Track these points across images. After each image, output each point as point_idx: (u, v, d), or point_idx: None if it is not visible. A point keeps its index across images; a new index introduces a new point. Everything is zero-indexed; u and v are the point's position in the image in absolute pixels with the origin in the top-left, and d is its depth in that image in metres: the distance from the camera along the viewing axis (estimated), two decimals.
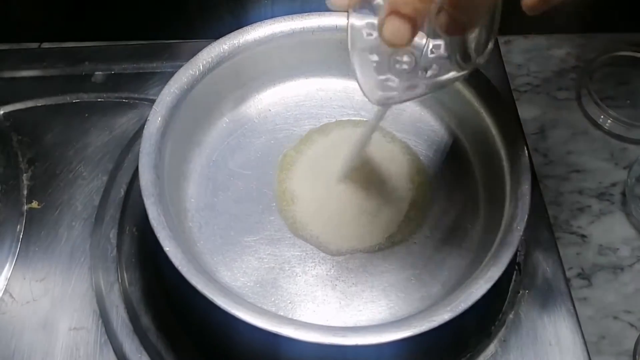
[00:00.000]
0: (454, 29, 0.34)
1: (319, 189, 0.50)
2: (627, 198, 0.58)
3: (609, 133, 0.62)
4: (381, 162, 0.51)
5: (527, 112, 0.64)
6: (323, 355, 0.42)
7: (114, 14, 0.65)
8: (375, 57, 0.39)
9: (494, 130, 0.48)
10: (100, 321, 0.47)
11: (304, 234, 0.48)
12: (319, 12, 0.52)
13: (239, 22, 0.51)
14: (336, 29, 0.51)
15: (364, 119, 0.53)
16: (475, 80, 0.49)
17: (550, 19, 0.66)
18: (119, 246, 0.50)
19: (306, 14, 0.52)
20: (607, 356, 0.51)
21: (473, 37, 0.38)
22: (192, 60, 0.49)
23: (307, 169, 0.51)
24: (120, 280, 0.49)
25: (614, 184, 0.59)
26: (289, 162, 0.51)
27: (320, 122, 0.54)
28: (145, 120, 0.46)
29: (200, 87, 0.49)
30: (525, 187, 0.44)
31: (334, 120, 0.54)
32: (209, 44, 0.50)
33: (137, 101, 0.58)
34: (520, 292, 0.49)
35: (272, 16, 0.52)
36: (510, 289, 0.49)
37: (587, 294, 0.54)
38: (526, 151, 0.46)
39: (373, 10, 0.38)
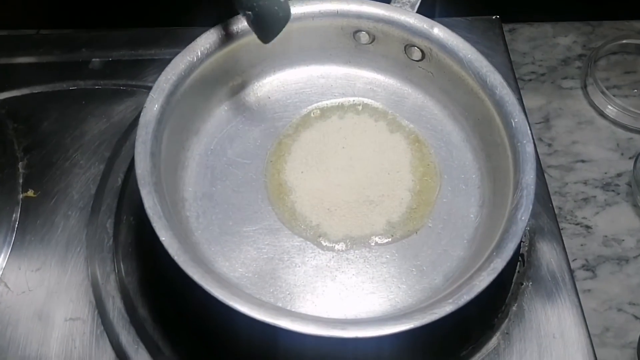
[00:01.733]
0: None
1: (318, 178, 0.49)
2: (632, 189, 0.57)
3: (615, 122, 0.61)
4: (384, 150, 0.51)
5: (532, 101, 0.63)
6: (323, 347, 0.41)
7: (112, 0, 0.65)
8: None
9: (498, 119, 0.47)
10: (96, 312, 0.46)
11: (304, 225, 0.47)
12: None
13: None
14: (337, 14, 0.51)
15: (365, 103, 0.53)
16: (480, 68, 0.48)
17: (556, 6, 0.66)
18: (115, 236, 0.50)
19: None
20: (611, 348, 0.51)
21: None
22: (189, 46, 0.48)
23: (304, 156, 0.50)
24: (116, 271, 0.48)
25: (619, 175, 0.59)
26: (284, 150, 0.50)
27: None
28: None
29: (198, 74, 0.48)
30: (530, 177, 0.43)
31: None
32: (208, 30, 0.49)
33: (134, 88, 0.57)
34: (524, 283, 0.48)
35: None
36: (513, 281, 0.48)
37: (591, 286, 0.53)
38: (531, 141, 0.45)
39: None
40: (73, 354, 0.45)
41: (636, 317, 0.52)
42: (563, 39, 0.68)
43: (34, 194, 0.52)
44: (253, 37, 0.50)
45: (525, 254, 0.49)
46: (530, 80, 0.65)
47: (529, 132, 0.45)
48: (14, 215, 0.50)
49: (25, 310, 0.47)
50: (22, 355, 0.45)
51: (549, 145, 0.61)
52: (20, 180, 0.52)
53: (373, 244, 0.47)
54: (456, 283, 0.41)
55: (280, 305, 0.44)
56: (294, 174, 0.49)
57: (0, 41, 0.61)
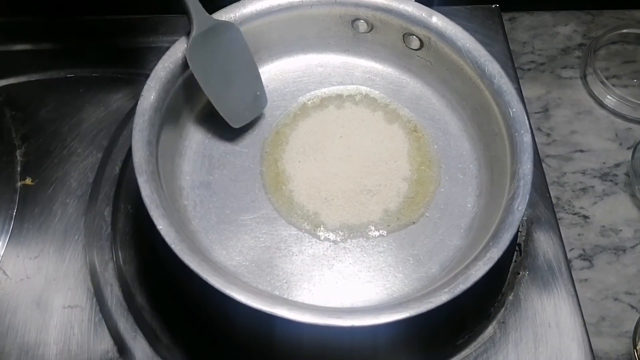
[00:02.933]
0: None
1: (315, 167, 0.49)
2: (630, 179, 0.57)
3: (613, 112, 0.61)
4: (382, 139, 0.51)
5: (530, 90, 0.63)
6: (319, 335, 0.41)
7: None
8: None
9: (496, 109, 0.47)
10: (94, 299, 0.47)
11: (301, 214, 0.47)
12: None
13: None
14: (335, 2, 0.50)
15: (363, 92, 0.53)
16: (478, 57, 0.48)
17: None
18: (113, 224, 0.50)
19: None
20: (607, 337, 0.51)
21: None
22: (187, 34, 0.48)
23: (302, 145, 0.50)
24: (114, 259, 0.48)
25: (617, 165, 0.59)
26: (282, 139, 0.50)
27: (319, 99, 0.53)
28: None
29: None
30: (527, 167, 0.43)
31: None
32: None
33: (133, 77, 0.57)
34: (521, 273, 0.48)
35: None
36: (510, 270, 0.48)
37: (588, 275, 0.53)
38: (528, 131, 0.45)
39: None
40: (71, 340, 0.45)
41: (632, 307, 0.52)
42: (563, 28, 0.67)
43: (31, 181, 0.52)
44: (250, 26, 0.50)
45: (522, 243, 0.50)
46: (529, 69, 0.65)
47: (527, 122, 0.45)
48: (12, 203, 0.50)
49: (24, 298, 0.47)
50: (20, 342, 0.45)
51: (548, 135, 0.60)
52: (18, 168, 0.52)
53: (370, 233, 0.47)
54: (452, 272, 0.41)
55: (277, 293, 0.44)
56: (292, 163, 0.49)
57: None
